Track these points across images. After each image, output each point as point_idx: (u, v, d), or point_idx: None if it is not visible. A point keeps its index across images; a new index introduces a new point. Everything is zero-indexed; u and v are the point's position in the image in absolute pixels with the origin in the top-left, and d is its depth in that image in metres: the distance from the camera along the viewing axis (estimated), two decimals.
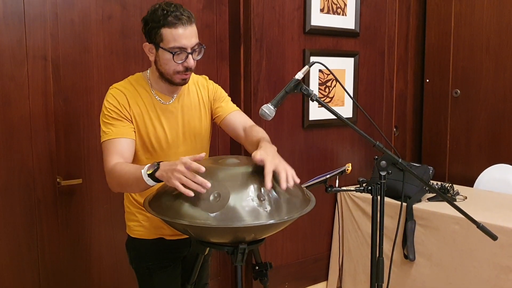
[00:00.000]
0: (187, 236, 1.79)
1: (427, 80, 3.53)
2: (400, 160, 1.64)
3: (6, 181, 2.17)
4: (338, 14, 3.02)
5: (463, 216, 1.72)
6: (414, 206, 2.68)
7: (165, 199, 1.48)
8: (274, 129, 2.79)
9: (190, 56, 1.65)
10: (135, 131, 1.71)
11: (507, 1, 3.06)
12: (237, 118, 1.86)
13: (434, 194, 2.80)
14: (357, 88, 3.19)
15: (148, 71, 1.79)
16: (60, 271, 2.34)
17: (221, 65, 2.79)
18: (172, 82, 1.70)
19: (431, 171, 2.97)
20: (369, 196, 1.70)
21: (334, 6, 3.00)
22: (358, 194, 2.81)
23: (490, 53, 3.16)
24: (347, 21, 3.08)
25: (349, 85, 3.15)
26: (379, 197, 1.68)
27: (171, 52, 1.62)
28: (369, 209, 2.83)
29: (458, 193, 2.86)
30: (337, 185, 1.79)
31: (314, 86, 2.97)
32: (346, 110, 3.16)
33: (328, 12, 2.97)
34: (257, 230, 1.42)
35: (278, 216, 1.40)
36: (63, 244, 2.34)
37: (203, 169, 1.37)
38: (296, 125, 2.94)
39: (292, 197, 1.49)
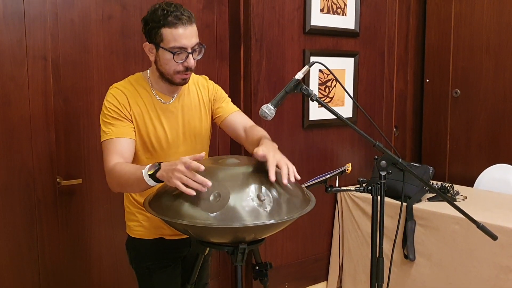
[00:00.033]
0: (187, 236, 1.79)
1: (427, 80, 3.53)
2: (400, 160, 1.64)
3: (6, 181, 2.17)
4: (338, 14, 3.02)
5: (463, 216, 1.72)
6: (414, 206, 2.68)
7: (165, 199, 1.48)
8: (274, 129, 2.79)
9: (190, 56, 1.65)
10: (135, 131, 1.71)
11: (507, 1, 3.06)
12: (237, 119, 1.87)
13: (434, 194, 2.80)
14: (357, 88, 3.19)
15: (148, 71, 1.79)
16: (60, 271, 2.34)
17: (221, 65, 2.79)
18: (172, 82, 1.70)
19: (431, 171, 2.97)
20: (369, 196, 1.70)
21: (334, 6, 3.00)
22: (358, 194, 2.81)
23: (490, 53, 3.16)
24: (347, 21, 3.08)
25: (349, 85, 3.15)
26: (379, 197, 1.68)
27: (172, 52, 1.62)
28: (369, 209, 2.83)
29: (458, 193, 2.86)
30: (337, 185, 1.79)
31: (314, 86, 2.97)
32: (346, 110, 3.16)
33: (328, 12, 2.97)
34: (257, 230, 1.42)
35: (278, 216, 1.40)
36: (63, 244, 2.34)
37: (202, 167, 1.37)
38: (296, 125, 2.94)
39: (292, 197, 1.49)
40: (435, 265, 2.59)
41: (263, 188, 1.42)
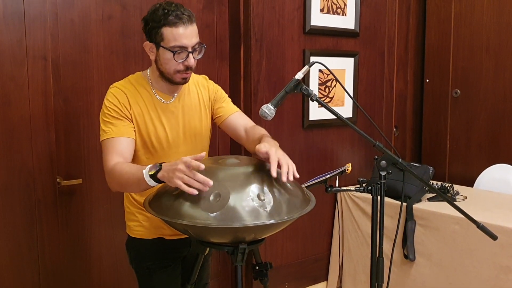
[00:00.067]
0: (187, 236, 1.78)
1: (427, 80, 3.53)
2: (400, 160, 1.64)
3: (6, 181, 2.17)
4: (338, 14, 3.02)
5: (463, 216, 1.72)
6: (414, 206, 2.68)
7: (165, 199, 1.48)
8: (274, 129, 2.79)
9: (190, 55, 1.65)
10: (135, 131, 1.71)
11: (507, 1, 3.06)
12: (238, 119, 1.87)
13: (434, 194, 2.80)
14: (357, 88, 3.19)
15: (149, 70, 1.79)
16: (60, 271, 2.34)
17: (221, 65, 2.79)
18: (173, 81, 1.70)
19: (431, 171, 2.97)
20: (369, 196, 1.70)
21: (334, 6, 3.00)
22: (358, 194, 2.81)
23: (490, 53, 3.16)
24: (347, 21, 3.08)
25: (349, 85, 3.15)
26: (379, 197, 1.68)
27: (172, 51, 1.62)
28: (369, 209, 2.83)
29: (458, 193, 2.86)
30: (337, 185, 1.79)
31: (314, 86, 2.97)
32: (346, 110, 3.16)
33: (328, 12, 2.97)
34: (257, 230, 1.42)
35: (278, 216, 1.40)
36: (63, 244, 2.34)
37: (202, 166, 1.37)
38: (296, 125, 2.94)
39: (292, 197, 1.49)
40: (435, 265, 2.59)
41: (263, 188, 1.42)
